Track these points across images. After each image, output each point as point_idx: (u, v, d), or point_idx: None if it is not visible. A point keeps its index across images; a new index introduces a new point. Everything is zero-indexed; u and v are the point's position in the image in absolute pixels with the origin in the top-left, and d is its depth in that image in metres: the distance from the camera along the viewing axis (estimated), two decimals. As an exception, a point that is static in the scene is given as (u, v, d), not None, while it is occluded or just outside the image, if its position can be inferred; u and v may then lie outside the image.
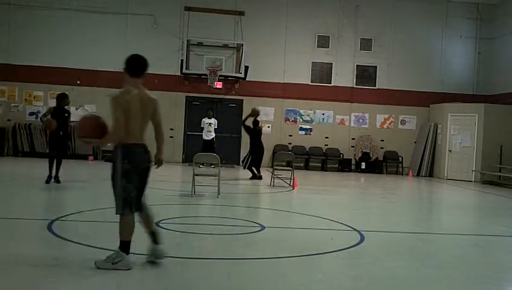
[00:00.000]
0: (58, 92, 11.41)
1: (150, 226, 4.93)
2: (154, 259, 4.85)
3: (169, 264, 4.94)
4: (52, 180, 10.42)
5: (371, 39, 19.92)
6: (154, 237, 4.92)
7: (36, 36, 18.46)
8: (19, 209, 7.83)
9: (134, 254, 4.82)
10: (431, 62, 20.20)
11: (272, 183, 12.60)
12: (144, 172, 4.79)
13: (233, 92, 19.21)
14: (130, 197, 4.67)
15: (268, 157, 19.19)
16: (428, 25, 20.12)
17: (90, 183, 11.80)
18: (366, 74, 19.99)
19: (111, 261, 4.60)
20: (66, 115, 10.68)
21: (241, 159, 14.91)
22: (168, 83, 18.94)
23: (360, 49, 19.89)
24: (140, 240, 4.95)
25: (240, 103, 19.42)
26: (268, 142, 19.36)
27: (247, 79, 18.67)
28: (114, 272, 4.60)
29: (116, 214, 4.75)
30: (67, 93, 11.33)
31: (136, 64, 4.76)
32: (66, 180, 10.73)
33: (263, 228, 7.01)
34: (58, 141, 10.56)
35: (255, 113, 14.31)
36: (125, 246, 4.68)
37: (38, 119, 11.84)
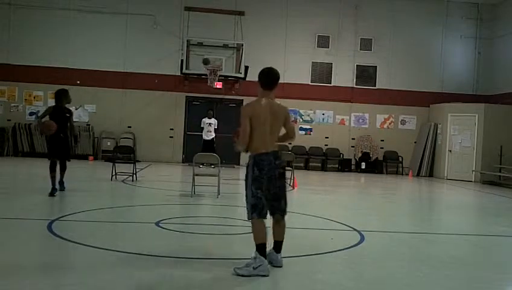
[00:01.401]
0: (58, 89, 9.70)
1: (277, 236, 5.01)
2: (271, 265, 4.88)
3: (170, 264, 4.94)
4: (57, 187, 9.08)
5: (371, 39, 19.92)
6: (277, 245, 4.99)
7: (36, 36, 18.47)
8: (18, 209, 7.83)
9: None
10: (431, 62, 20.20)
11: (272, 183, 12.57)
12: (275, 179, 4.84)
13: (233, 92, 19.20)
14: (260, 204, 4.79)
15: (268, 157, 19.19)
16: (428, 25, 20.12)
17: (90, 183, 11.79)
18: (366, 74, 19.99)
19: (252, 267, 4.65)
20: (68, 115, 9.22)
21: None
22: (168, 83, 18.95)
23: (360, 49, 19.89)
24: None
25: (240, 103, 19.38)
26: (268, 142, 19.38)
27: (247, 79, 18.64)
28: (114, 272, 4.60)
29: (248, 219, 4.92)
30: (67, 89, 9.70)
31: (269, 78, 5.00)
32: (66, 180, 10.55)
33: (263, 228, 7.00)
34: (60, 145, 9.10)
35: None
36: (260, 248, 4.73)
37: (35, 121, 9.71)
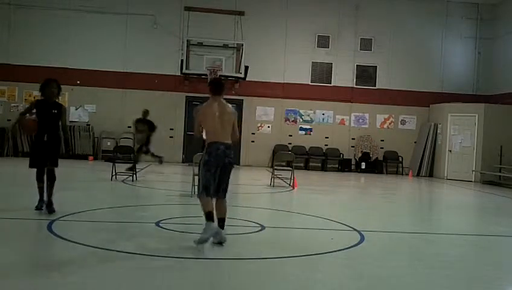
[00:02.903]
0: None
1: (219, 213, 5.91)
2: (217, 241, 5.71)
3: (170, 264, 4.94)
4: (44, 206, 7.32)
5: (371, 39, 19.92)
6: (220, 222, 5.86)
7: (36, 36, 18.47)
8: (18, 209, 7.83)
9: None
10: (431, 62, 20.20)
11: (272, 183, 12.60)
12: (223, 165, 5.80)
13: (233, 92, 19.20)
14: (209, 184, 5.76)
15: (269, 157, 19.23)
16: (428, 25, 20.12)
17: (90, 183, 11.80)
18: (366, 74, 20.00)
19: (205, 231, 5.58)
20: (55, 111, 7.37)
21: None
22: (168, 83, 18.96)
23: (360, 49, 19.90)
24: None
25: (240, 103, 19.43)
26: (268, 142, 19.43)
27: (247, 79, 18.67)
28: (114, 272, 4.60)
29: (197, 196, 6.02)
30: (55, 79, 7.93)
31: (217, 87, 5.99)
32: (65, 180, 10.45)
33: (263, 228, 7.01)
34: (42, 150, 7.23)
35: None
36: (208, 215, 5.68)
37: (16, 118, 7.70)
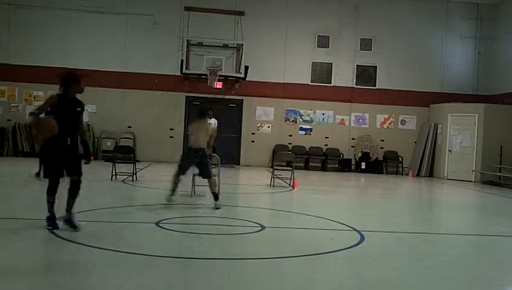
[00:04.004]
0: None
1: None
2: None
3: (169, 264, 4.94)
4: (59, 217, 6.13)
5: (371, 39, 19.92)
6: (214, 196, 8.56)
7: (36, 36, 18.47)
8: (18, 209, 7.84)
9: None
10: (431, 62, 20.20)
11: (272, 183, 12.60)
12: (198, 163, 8.72)
13: (233, 92, 19.21)
14: (184, 169, 8.84)
15: (269, 157, 19.23)
16: (428, 25, 20.12)
17: (90, 183, 11.78)
18: (366, 74, 19.99)
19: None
20: (79, 109, 6.25)
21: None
22: (168, 83, 18.95)
23: (360, 49, 19.90)
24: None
25: (240, 102, 19.44)
26: (268, 142, 19.43)
27: (247, 79, 18.66)
28: (114, 272, 4.60)
29: (177, 175, 8.78)
30: (75, 72, 6.50)
31: (201, 113, 9.04)
32: (66, 180, 10.44)
33: (263, 228, 7.01)
34: (67, 156, 6.07)
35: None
36: (216, 196, 8.54)
37: (30, 118, 6.43)
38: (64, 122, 5.92)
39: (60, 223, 6.12)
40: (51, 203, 6.09)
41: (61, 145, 5.99)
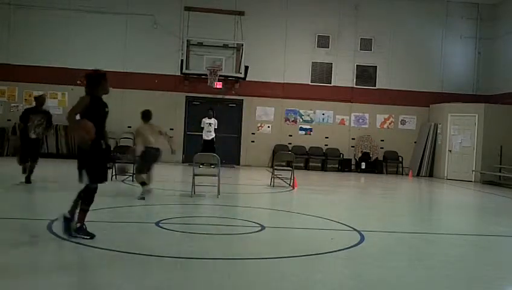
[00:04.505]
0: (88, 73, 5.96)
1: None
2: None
3: (170, 264, 4.94)
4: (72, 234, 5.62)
5: (371, 39, 19.92)
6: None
7: (36, 36, 18.46)
8: (18, 209, 7.84)
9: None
10: (431, 62, 20.20)
11: (272, 183, 12.60)
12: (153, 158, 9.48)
13: (233, 92, 19.21)
14: (144, 166, 9.45)
15: (269, 157, 19.23)
16: (428, 25, 20.12)
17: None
18: (366, 74, 19.99)
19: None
20: (107, 110, 5.99)
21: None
22: (168, 83, 18.95)
23: (360, 49, 19.90)
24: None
25: (240, 102, 19.44)
26: (268, 142, 19.43)
27: (247, 79, 18.66)
28: (114, 272, 4.60)
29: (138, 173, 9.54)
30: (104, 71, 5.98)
31: (146, 117, 10.09)
32: (65, 180, 10.47)
33: (263, 228, 7.01)
34: (106, 161, 6.02)
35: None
36: (142, 184, 9.25)
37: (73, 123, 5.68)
38: (97, 125, 5.61)
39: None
40: (86, 212, 5.68)
41: (99, 149, 5.67)
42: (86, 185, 5.64)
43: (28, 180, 10.22)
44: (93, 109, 5.66)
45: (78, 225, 5.64)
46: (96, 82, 5.79)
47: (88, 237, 5.57)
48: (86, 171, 5.60)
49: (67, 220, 5.59)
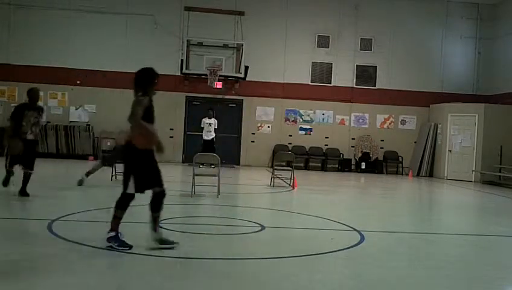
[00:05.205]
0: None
1: None
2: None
3: (170, 264, 4.94)
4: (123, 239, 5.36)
5: (371, 39, 19.92)
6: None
7: (36, 36, 18.46)
8: (18, 209, 7.83)
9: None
10: (431, 62, 20.20)
11: (272, 183, 12.60)
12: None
13: (233, 92, 19.21)
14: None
15: (269, 157, 19.23)
16: (428, 25, 20.12)
17: (90, 183, 11.77)
18: (366, 74, 20.00)
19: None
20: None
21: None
22: (168, 83, 18.92)
23: (360, 49, 19.90)
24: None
25: (240, 102, 19.44)
26: (268, 142, 19.43)
27: (247, 79, 18.67)
28: (114, 272, 4.59)
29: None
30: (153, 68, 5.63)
31: None
32: (66, 180, 10.56)
33: (263, 228, 7.01)
34: (153, 169, 5.54)
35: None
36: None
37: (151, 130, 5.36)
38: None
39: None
40: (119, 219, 5.37)
41: (150, 157, 5.34)
42: (126, 193, 5.32)
43: (23, 193, 8.53)
44: (150, 111, 5.26)
45: (113, 233, 5.27)
46: (152, 81, 5.42)
47: (126, 248, 5.23)
48: (134, 179, 5.29)
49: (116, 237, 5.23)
